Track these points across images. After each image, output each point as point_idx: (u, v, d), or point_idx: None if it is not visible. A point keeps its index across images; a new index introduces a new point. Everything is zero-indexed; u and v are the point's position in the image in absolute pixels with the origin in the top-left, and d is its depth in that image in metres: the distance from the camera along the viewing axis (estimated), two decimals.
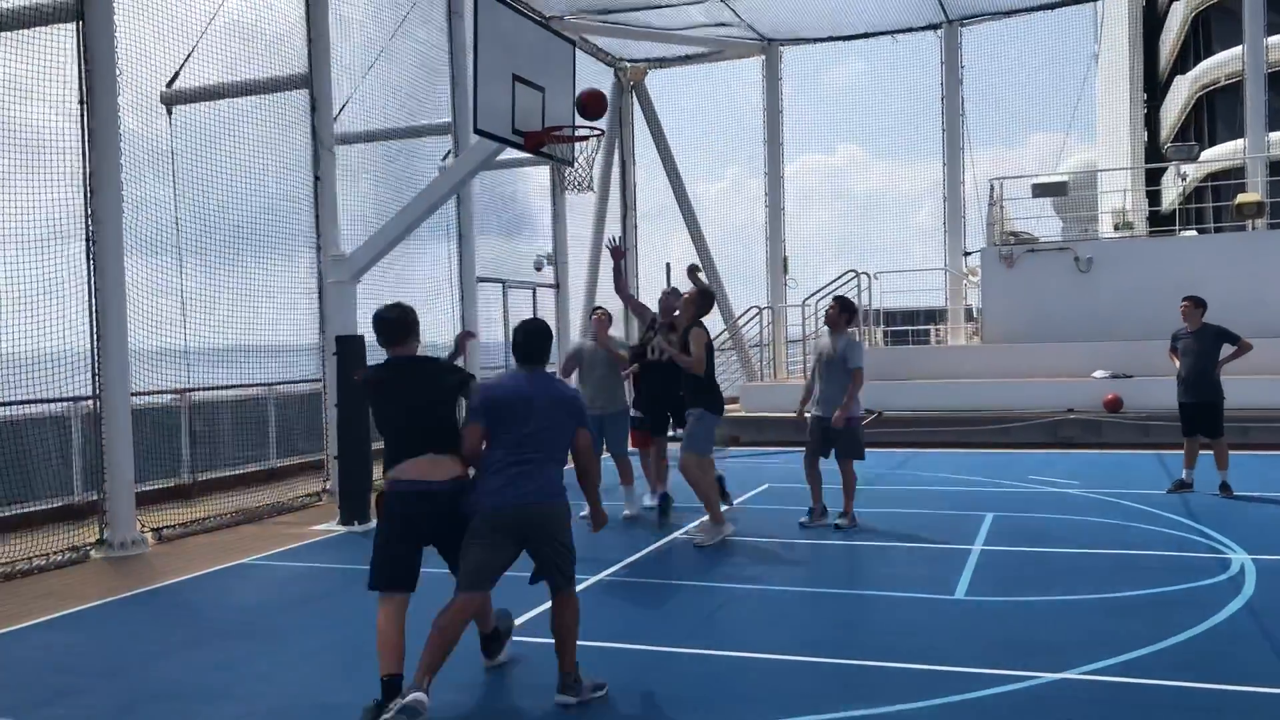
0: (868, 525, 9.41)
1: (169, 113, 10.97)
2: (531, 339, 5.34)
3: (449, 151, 14.94)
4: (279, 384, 13.33)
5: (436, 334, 15.49)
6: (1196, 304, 10.65)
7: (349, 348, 10.28)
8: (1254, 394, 14.07)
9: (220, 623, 6.87)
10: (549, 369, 5.55)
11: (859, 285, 19.15)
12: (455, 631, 4.90)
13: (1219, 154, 25.29)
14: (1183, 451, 10.93)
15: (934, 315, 24.16)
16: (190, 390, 12.19)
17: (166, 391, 11.68)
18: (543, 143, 9.40)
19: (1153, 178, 25.16)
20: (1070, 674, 5.30)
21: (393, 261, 13.39)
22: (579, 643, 5.19)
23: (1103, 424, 15.09)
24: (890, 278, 20.60)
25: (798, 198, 21.74)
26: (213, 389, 12.67)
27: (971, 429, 15.52)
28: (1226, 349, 10.52)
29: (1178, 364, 10.72)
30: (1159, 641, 5.78)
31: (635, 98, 21.20)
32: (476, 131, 8.84)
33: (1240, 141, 19.12)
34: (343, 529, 10.08)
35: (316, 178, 11.97)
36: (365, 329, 10.90)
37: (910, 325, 26.65)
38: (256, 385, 13.15)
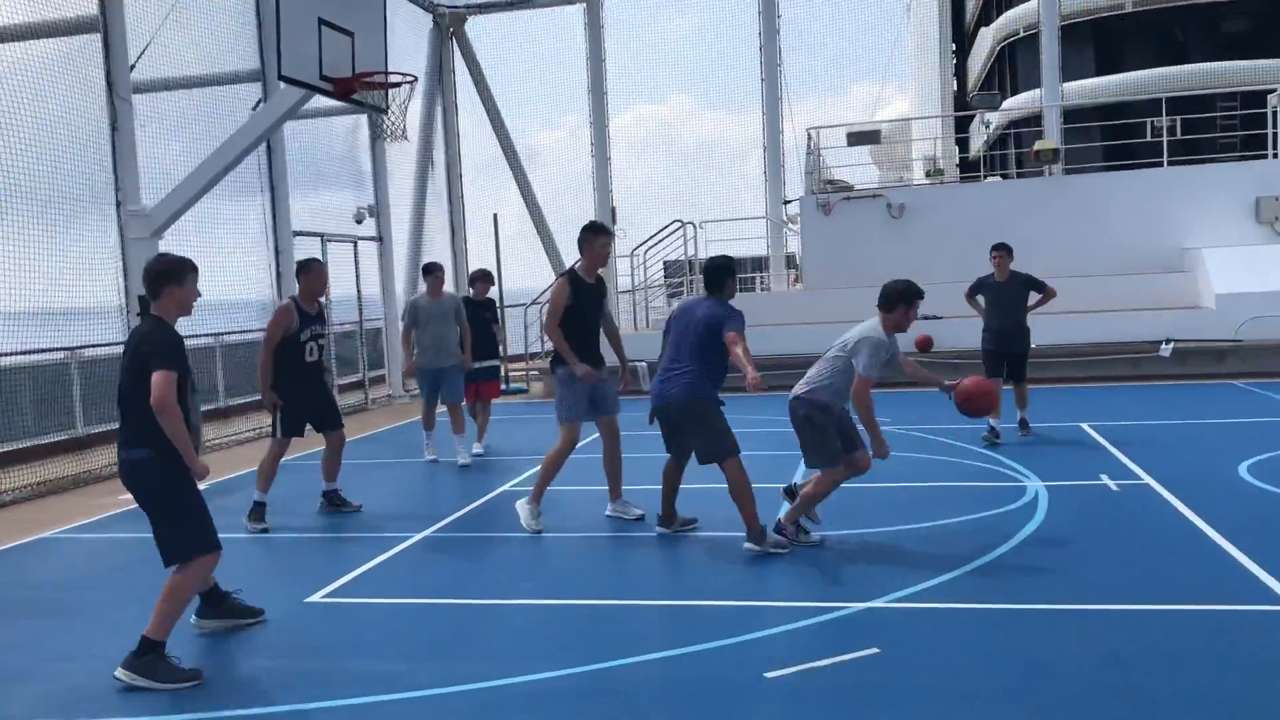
0: (702, 469, 9.58)
1: None
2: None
3: (260, 100, 14.30)
4: (82, 348, 12.59)
5: (255, 289, 14.93)
6: (1009, 253, 10.47)
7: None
8: (1053, 332, 14.95)
9: (17, 601, 6.50)
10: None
11: (684, 235, 19.38)
12: None
13: (1019, 102, 26.55)
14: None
15: (760, 263, 24.68)
16: None
17: None
18: (353, 90, 9.11)
19: (961, 126, 26.29)
20: (878, 602, 5.56)
21: (202, 217, 12.80)
22: (406, 601, 5.13)
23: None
24: (715, 227, 20.88)
25: (630, 148, 21.78)
26: (7, 355, 11.86)
27: (793, 373, 15.91)
28: (1032, 296, 10.44)
29: (980, 311, 10.60)
30: (959, 567, 6.12)
31: (456, 45, 20.75)
32: (281, 78, 8.49)
33: (1038, 91, 20.10)
34: None
35: (113, 128, 11.27)
36: None
37: (738, 274, 27.08)
38: (58, 350, 12.37)
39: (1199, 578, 5.79)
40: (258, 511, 8.11)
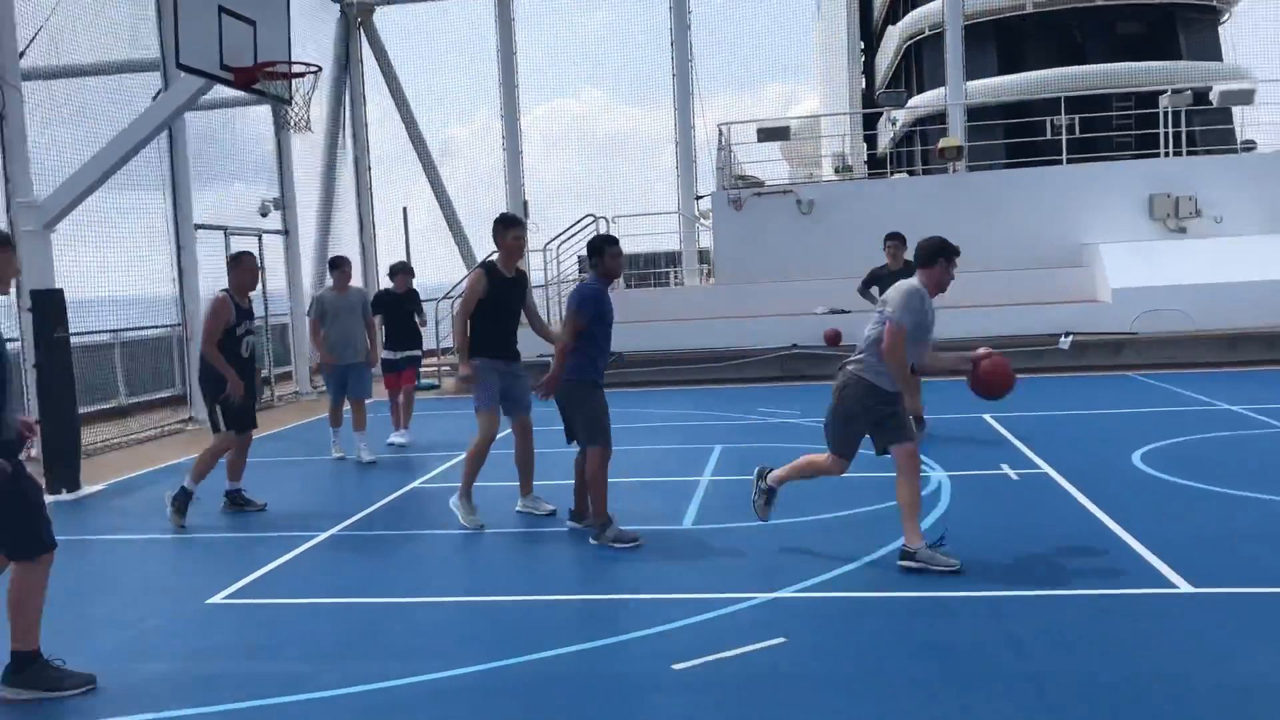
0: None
1: None
2: None
3: (160, 90, 13.90)
4: None
5: (156, 285, 14.52)
6: (903, 243, 10.17)
7: (47, 303, 9.46)
8: (956, 325, 15.28)
9: None
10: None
11: (597, 229, 19.35)
12: None
13: (925, 101, 27.09)
14: None
15: (674, 258, 24.79)
16: None
17: None
18: (255, 79, 8.90)
19: (869, 123, 26.70)
20: (785, 592, 5.64)
21: (99, 210, 12.42)
22: (311, 601, 5.04)
23: (825, 356, 15.97)
24: (628, 222, 20.91)
25: (544, 142, 21.68)
26: None
27: (706, 367, 16.10)
28: None
29: (875, 303, 10.68)
30: (864, 556, 6.24)
31: (364, 36, 20.43)
32: (179, 67, 8.26)
33: (942, 89, 20.53)
34: (49, 498, 9.30)
35: (1, 116, 10.84)
36: (64, 281, 10.08)
37: (653, 269, 27.30)
38: None
39: (1094, 563, 5.98)
40: (182, 500, 7.88)
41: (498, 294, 7.27)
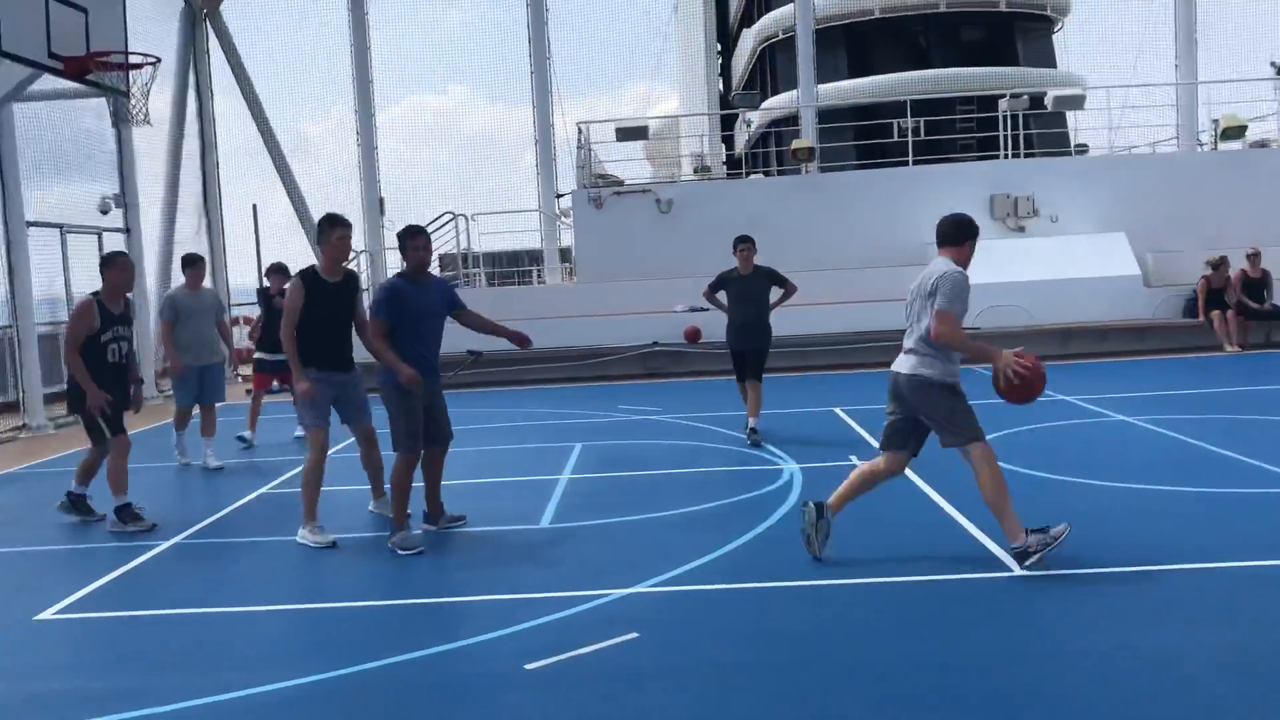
0: (464, 464, 9.51)
1: None
2: None
3: None
4: None
5: None
6: (754, 246, 9.88)
7: None
8: (809, 322, 15.69)
9: None
10: None
11: (456, 227, 19.17)
12: None
13: (778, 103, 27.66)
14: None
15: (536, 257, 24.73)
16: None
17: None
18: (87, 69, 8.49)
19: (727, 124, 27.11)
20: (640, 587, 5.68)
21: None
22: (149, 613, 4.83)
23: (686, 353, 16.17)
24: (489, 220, 20.78)
25: (405, 138, 21.31)
26: None
27: (569, 365, 16.10)
28: (775, 293, 9.99)
29: (722, 307, 10.09)
30: (718, 549, 6.33)
31: (211, 28, 19.73)
32: (2, 54, 7.82)
33: (795, 92, 21.00)
34: None
35: None
36: None
37: (516, 267, 27.18)
38: None
39: (936, 550, 6.20)
40: (126, 515, 7.55)
41: (321, 301, 6.83)
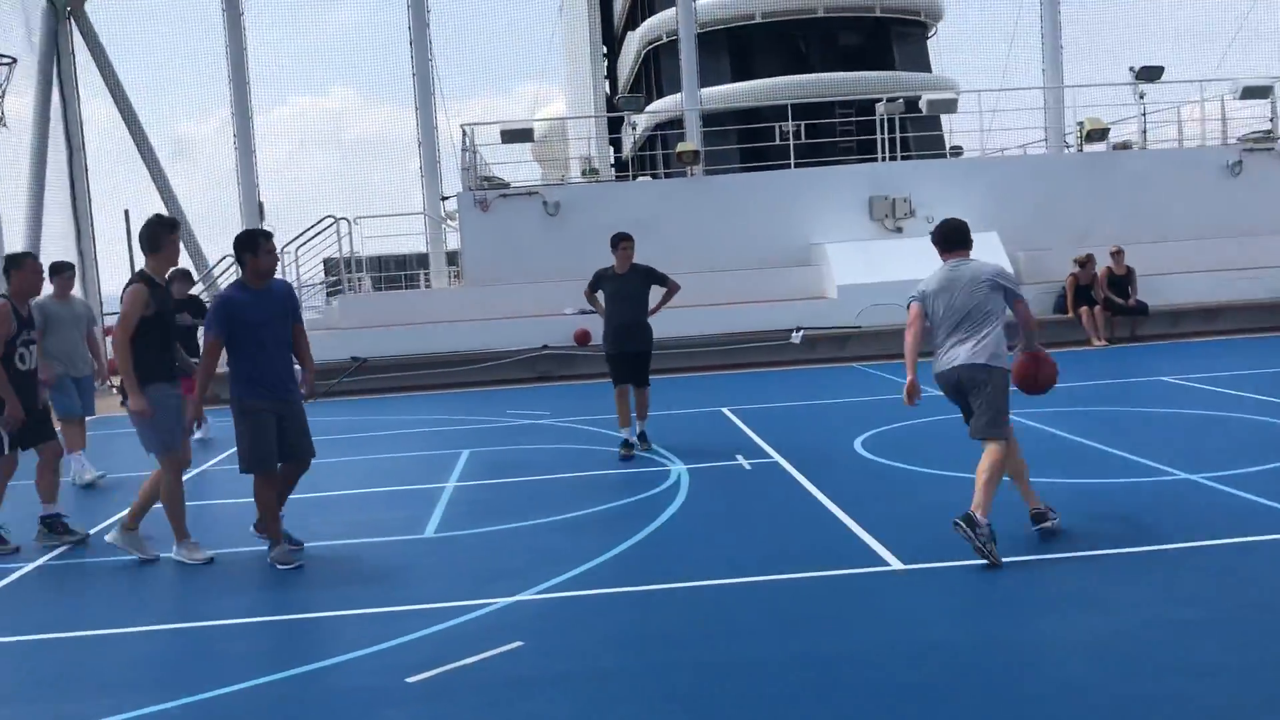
0: (346, 474, 9.35)
1: None
2: None
3: None
4: None
5: None
6: (633, 244, 9.58)
7: None
8: (696, 323, 15.84)
9: None
10: None
11: (338, 231, 18.80)
12: None
13: (663, 106, 27.84)
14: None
15: (425, 260, 24.42)
16: None
17: None
18: None
19: (615, 126, 27.16)
20: (526, 594, 5.65)
21: None
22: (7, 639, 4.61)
23: (575, 357, 16.17)
24: (373, 223, 20.44)
25: (289, 141, 20.82)
26: None
27: (456, 370, 15.93)
28: (656, 294, 9.70)
29: (600, 309, 9.74)
30: (605, 553, 6.34)
31: (75, 27, 18.98)
32: None
33: (680, 95, 21.17)
34: None
35: None
36: None
37: (403, 270, 26.80)
38: None
39: (817, 546, 6.31)
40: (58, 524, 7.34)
41: (164, 309, 6.64)
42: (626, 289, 9.52)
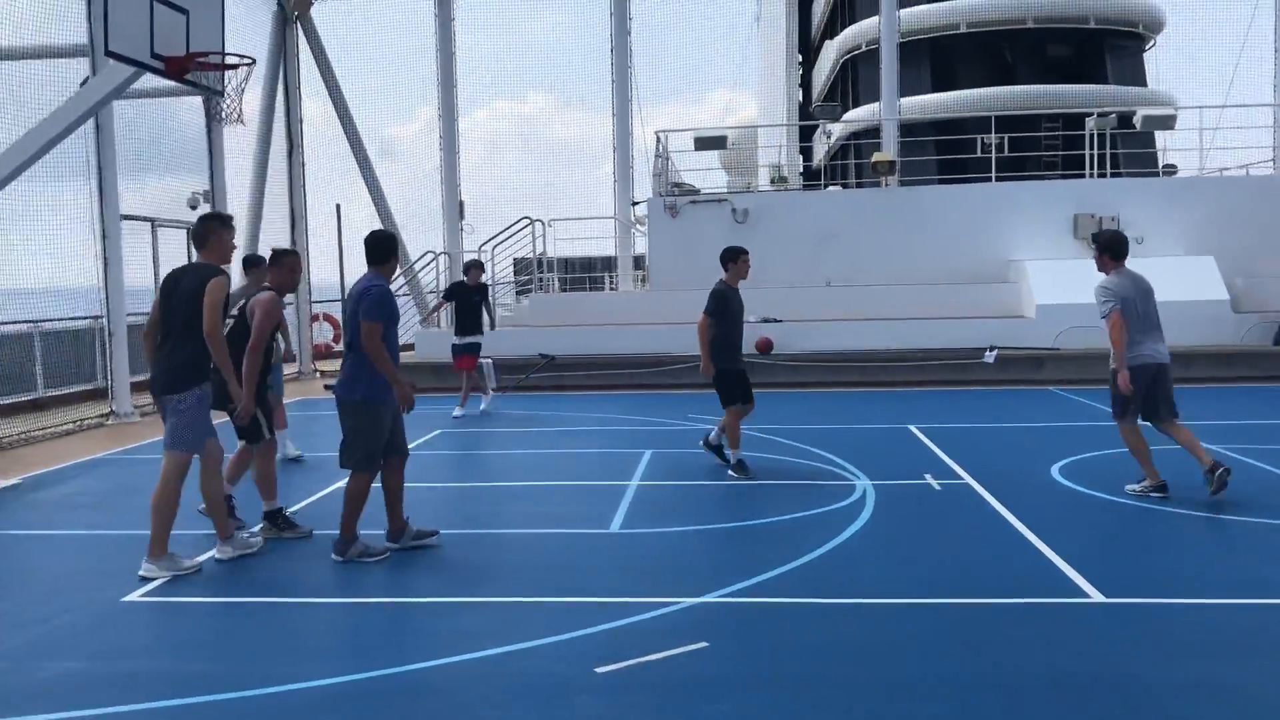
0: (534, 466, 9.60)
1: None
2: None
3: (88, 77, 13.57)
4: None
5: (79, 276, 14.18)
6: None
7: None
8: (884, 337, 15.55)
9: None
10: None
11: (533, 232, 19.34)
12: None
13: (859, 115, 27.46)
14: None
15: (609, 263, 24.85)
16: None
17: None
18: (186, 69, 8.73)
19: (806, 135, 26.97)
20: (710, 597, 5.67)
21: (22, 196, 12.12)
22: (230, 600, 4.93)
23: (756, 365, 16.11)
24: (564, 225, 20.92)
25: (488, 144, 21.55)
26: None
27: (638, 372, 16.14)
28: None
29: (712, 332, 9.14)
30: (789, 562, 6.29)
31: (301, 30, 20.15)
32: (108, 54, 8.09)
33: (877, 104, 20.84)
34: None
35: None
36: None
37: (589, 273, 27.33)
38: None
39: (1009, 572, 6.10)
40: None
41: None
42: (740, 304, 9.33)
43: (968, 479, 8.66)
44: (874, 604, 5.56)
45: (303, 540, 7.13)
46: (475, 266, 13.41)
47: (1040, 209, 17.51)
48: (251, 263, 10.33)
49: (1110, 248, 7.91)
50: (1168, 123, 19.56)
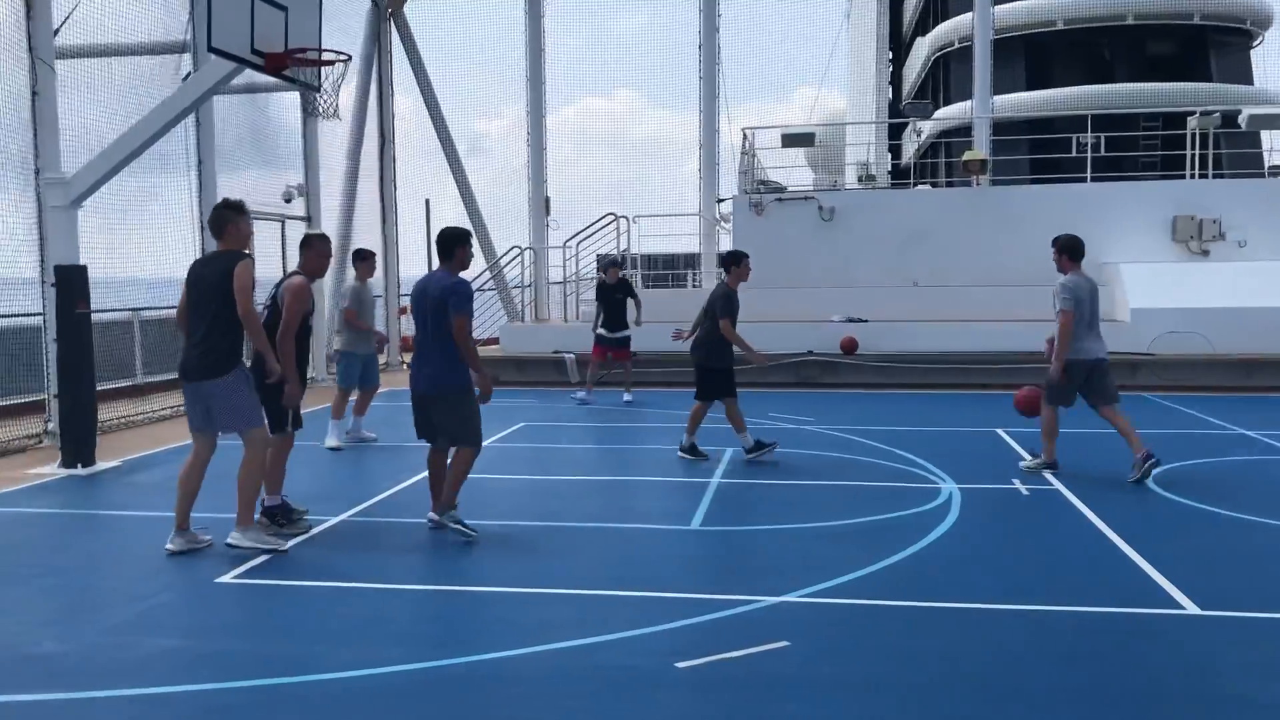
0: (616, 460, 9.64)
1: None
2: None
3: (190, 72, 13.98)
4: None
5: (178, 266, 14.59)
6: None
7: (70, 278, 9.56)
8: (973, 340, 15.29)
9: None
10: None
11: (618, 229, 19.39)
12: None
13: (951, 113, 27.00)
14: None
15: (693, 260, 24.82)
16: None
17: None
18: (285, 65, 8.94)
19: (895, 133, 26.60)
20: (791, 596, 5.64)
21: (126, 188, 12.53)
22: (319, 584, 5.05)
23: (839, 364, 15.98)
24: (649, 222, 20.94)
25: (574, 139, 21.72)
26: None
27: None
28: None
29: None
30: (871, 564, 6.23)
31: (394, 27, 20.50)
32: (211, 50, 8.32)
33: (969, 102, 20.48)
34: (64, 472, 9.43)
35: (34, 93, 10.92)
36: (88, 258, 10.14)
37: (671, 269, 27.36)
38: None
39: (1100, 581, 5.95)
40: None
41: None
42: (737, 305, 10.25)
43: (1057, 484, 8.48)
44: (959, 608, 5.47)
45: (376, 517, 7.30)
46: (612, 264, 14.00)
47: (1137, 210, 17.04)
48: (360, 256, 10.79)
49: (1069, 250, 8.76)
50: (1275, 122, 18.88)
